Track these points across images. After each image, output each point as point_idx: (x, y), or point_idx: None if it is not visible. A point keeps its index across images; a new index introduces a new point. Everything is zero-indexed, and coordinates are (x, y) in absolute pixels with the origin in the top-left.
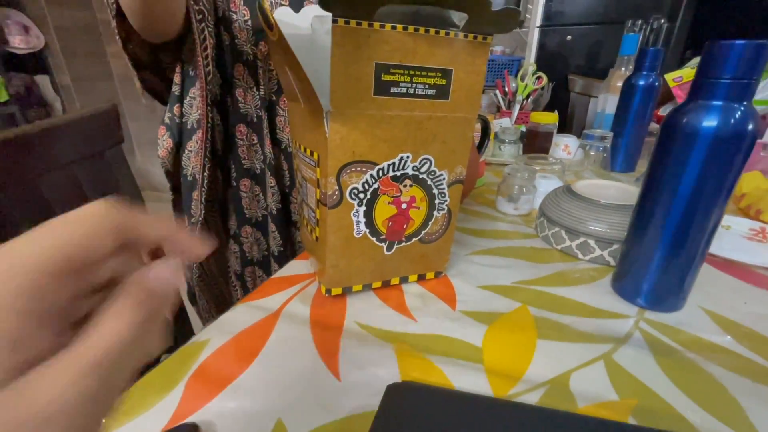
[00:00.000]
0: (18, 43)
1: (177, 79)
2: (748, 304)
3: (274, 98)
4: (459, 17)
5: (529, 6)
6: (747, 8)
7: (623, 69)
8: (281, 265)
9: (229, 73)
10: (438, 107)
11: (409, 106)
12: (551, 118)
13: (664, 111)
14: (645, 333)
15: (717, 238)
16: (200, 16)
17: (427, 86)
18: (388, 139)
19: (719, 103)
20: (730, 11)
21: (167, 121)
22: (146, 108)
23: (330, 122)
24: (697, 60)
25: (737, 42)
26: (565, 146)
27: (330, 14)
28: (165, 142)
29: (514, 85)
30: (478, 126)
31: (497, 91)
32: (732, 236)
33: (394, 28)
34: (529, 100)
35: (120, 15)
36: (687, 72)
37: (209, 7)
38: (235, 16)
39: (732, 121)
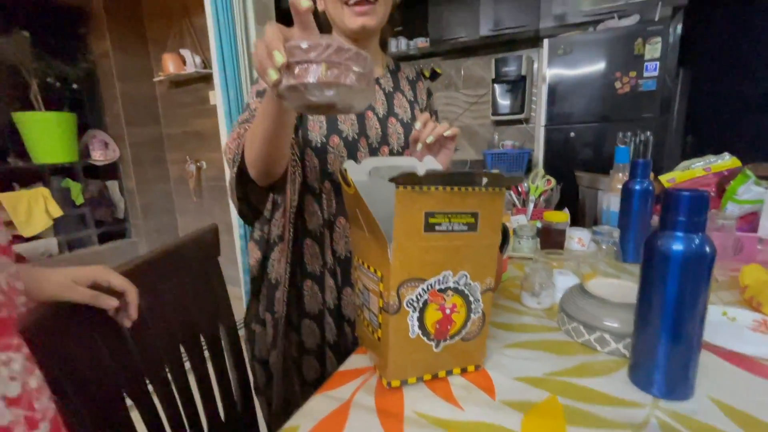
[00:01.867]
0: (98, 156)
1: (268, 205)
2: (755, 394)
3: (333, 219)
4: (482, 181)
5: (533, 105)
6: (738, 95)
7: (620, 174)
8: (335, 354)
9: (300, 201)
10: (470, 238)
11: (449, 238)
12: (563, 217)
13: None
14: (660, 421)
15: (722, 331)
16: (294, 162)
17: (461, 224)
18: (434, 262)
19: (681, 234)
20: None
21: (257, 237)
22: (195, 205)
23: (393, 251)
24: (689, 162)
25: (685, 194)
26: (579, 239)
27: (394, 184)
28: (255, 254)
29: (526, 185)
30: None
31: (511, 192)
32: (737, 328)
33: (437, 189)
34: (541, 199)
35: (240, 179)
36: (679, 174)
37: (299, 154)
38: (307, 163)
39: (692, 246)
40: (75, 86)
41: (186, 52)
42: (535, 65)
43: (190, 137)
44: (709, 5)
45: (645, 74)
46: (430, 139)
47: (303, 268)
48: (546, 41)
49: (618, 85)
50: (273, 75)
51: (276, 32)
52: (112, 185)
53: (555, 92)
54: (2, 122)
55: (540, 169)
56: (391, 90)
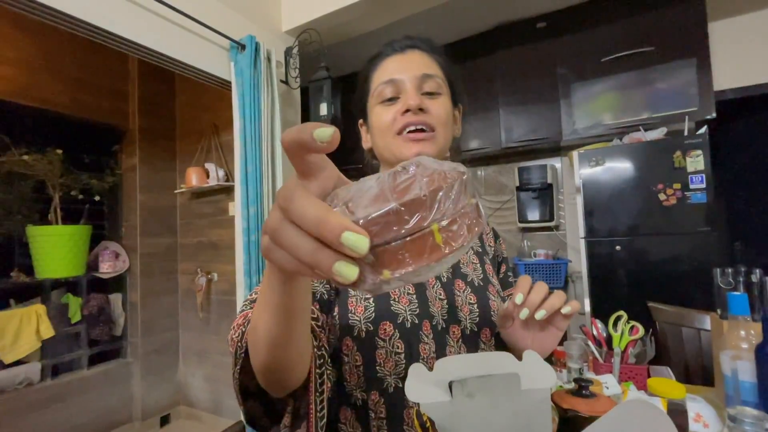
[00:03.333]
0: (106, 268)
1: (287, 421)
2: None
3: None
4: None
5: (562, 213)
6: None
7: (742, 332)
8: None
9: (333, 413)
10: None
11: None
12: (677, 391)
13: None
14: None
15: None
16: (320, 360)
17: None
18: None
19: None
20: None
21: None
22: (201, 321)
23: None
24: None
25: None
26: (698, 415)
27: None
28: None
29: (601, 327)
30: None
31: (588, 341)
32: None
33: None
34: (629, 352)
35: (242, 386)
36: None
37: (328, 349)
38: (346, 359)
39: None
40: (97, 198)
41: (211, 166)
42: (559, 173)
43: (205, 247)
44: (733, 115)
45: (692, 186)
46: (540, 315)
47: None
48: (576, 153)
49: (662, 197)
50: (351, 274)
51: (311, 199)
52: (115, 298)
53: (591, 203)
54: (16, 236)
55: (622, 313)
56: None
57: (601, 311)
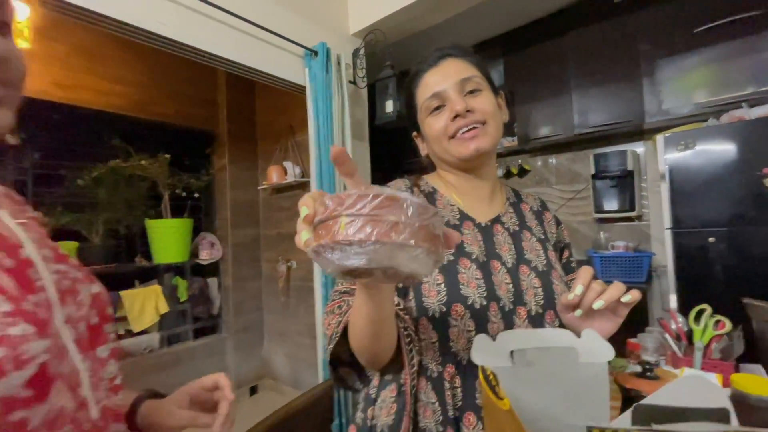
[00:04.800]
0: (204, 255)
1: (375, 382)
2: None
3: (458, 415)
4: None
5: (644, 202)
6: None
7: None
8: None
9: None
10: None
11: None
12: (765, 387)
13: None
14: None
15: None
16: (408, 339)
17: None
18: None
19: None
20: None
21: (358, 421)
22: (282, 305)
23: None
24: None
25: None
26: None
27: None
28: None
29: (681, 321)
30: None
31: (666, 334)
32: None
33: None
34: (713, 347)
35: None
36: None
37: (413, 329)
38: (422, 336)
39: None
40: (196, 195)
41: (288, 164)
42: (642, 159)
43: (284, 238)
44: None
45: None
46: (599, 305)
47: None
48: (660, 137)
49: None
50: (303, 236)
51: (315, 192)
52: (212, 282)
53: (679, 191)
54: (138, 228)
55: (706, 307)
56: (517, 229)
57: (689, 308)
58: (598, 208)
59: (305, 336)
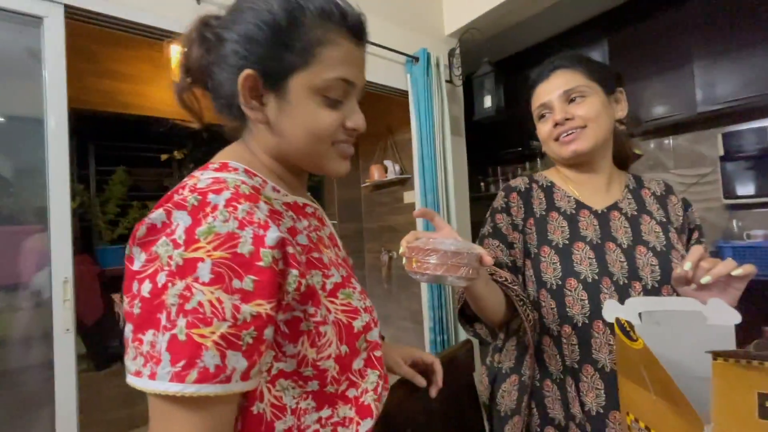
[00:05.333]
0: None
1: (502, 335)
2: None
3: (577, 366)
4: None
5: None
6: None
7: None
8: None
9: (537, 341)
10: None
11: None
12: None
13: None
14: None
15: None
16: (521, 302)
17: None
18: None
19: None
20: None
21: (488, 363)
22: (384, 291)
23: None
24: None
25: None
26: None
27: (711, 355)
28: (484, 380)
29: None
30: None
31: None
32: None
33: None
34: None
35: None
36: None
37: (527, 295)
38: (543, 304)
39: None
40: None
41: (388, 163)
42: None
43: (385, 231)
44: None
45: None
46: (706, 280)
47: (543, 414)
48: None
49: None
50: (404, 261)
51: (414, 233)
52: None
53: None
54: None
55: None
56: (635, 213)
57: None
58: (729, 194)
59: (409, 321)
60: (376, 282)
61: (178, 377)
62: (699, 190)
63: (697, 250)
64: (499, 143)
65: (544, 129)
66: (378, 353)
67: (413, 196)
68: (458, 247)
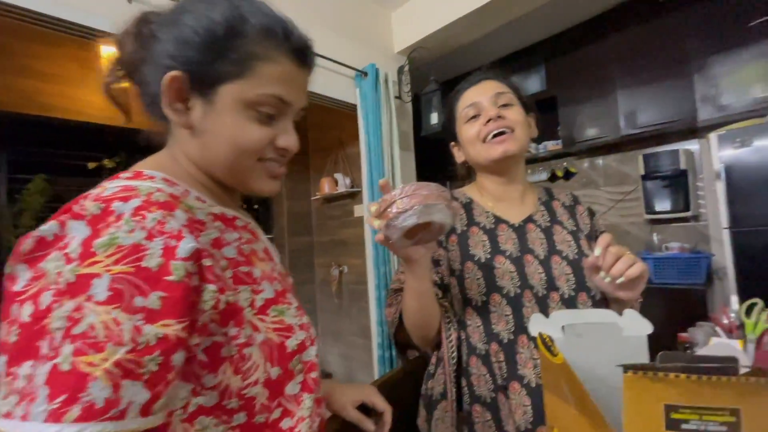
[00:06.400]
0: None
1: (433, 360)
2: None
3: (506, 384)
4: (739, 369)
5: (701, 201)
6: None
7: None
8: None
9: (465, 362)
10: None
11: None
12: None
13: None
14: None
15: None
16: (447, 319)
17: (717, 423)
18: None
19: None
20: None
21: (423, 391)
22: (335, 306)
23: None
24: None
25: None
26: None
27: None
28: (421, 411)
29: (734, 316)
30: None
31: (716, 327)
32: None
33: (678, 376)
34: (765, 339)
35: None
36: None
37: (452, 312)
38: (469, 322)
39: None
40: (256, 207)
41: (338, 176)
42: (697, 157)
43: (336, 245)
44: None
45: None
46: (620, 281)
47: None
48: (714, 135)
49: None
50: (375, 222)
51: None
52: None
53: (736, 189)
54: None
55: (758, 300)
56: (549, 225)
57: (751, 309)
58: (650, 209)
59: (359, 336)
60: (326, 297)
61: (55, 416)
62: (625, 206)
63: (605, 238)
64: (448, 159)
65: (471, 130)
66: (314, 374)
67: (363, 210)
68: (436, 184)
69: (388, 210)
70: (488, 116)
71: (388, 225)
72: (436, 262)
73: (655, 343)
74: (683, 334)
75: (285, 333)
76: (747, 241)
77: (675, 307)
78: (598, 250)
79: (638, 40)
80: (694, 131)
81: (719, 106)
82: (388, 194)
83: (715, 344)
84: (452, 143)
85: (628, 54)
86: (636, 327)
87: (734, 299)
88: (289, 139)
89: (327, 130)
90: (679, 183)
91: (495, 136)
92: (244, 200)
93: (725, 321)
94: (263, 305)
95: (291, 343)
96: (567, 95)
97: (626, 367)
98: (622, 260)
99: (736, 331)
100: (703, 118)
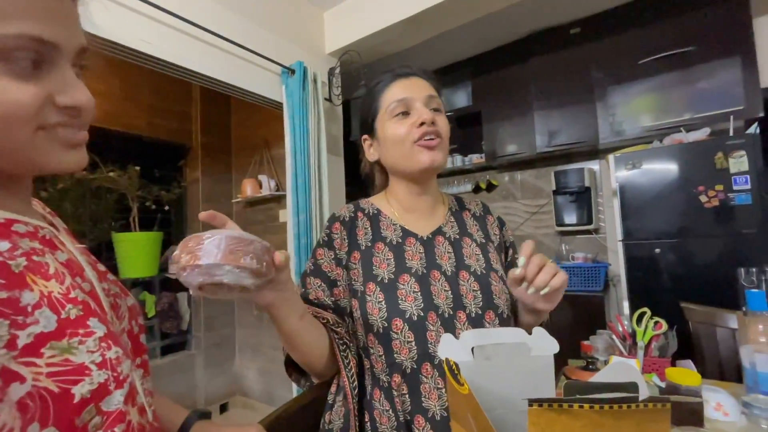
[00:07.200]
0: (174, 270)
1: (333, 389)
2: None
3: (409, 419)
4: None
5: (601, 216)
6: None
7: (760, 326)
8: None
9: (369, 394)
10: None
11: None
12: (694, 379)
13: None
14: None
15: None
16: (343, 346)
17: None
18: None
19: None
20: None
21: (321, 426)
22: (255, 319)
23: None
24: None
25: None
26: (718, 404)
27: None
28: None
29: (628, 325)
30: None
31: (613, 335)
32: None
33: (581, 407)
34: (653, 346)
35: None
36: None
37: (350, 338)
38: (372, 350)
39: None
40: (166, 208)
41: (263, 177)
42: (598, 176)
43: None
44: None
45: (735, 188)
46: (545, 291)
47: None
48: (612, 156)
49: (704, 198)
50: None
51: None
52: (182, 297)
53: (629, 206)
54: (104, 242)
55: (646, 310)
56: (458, 237)
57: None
58: (560, 222)
59: (279, 350)
60: (245, 309)
61: None
62: (539, 218)
63: (528, 246)
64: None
65: (400, 129)
66: (120, 429)
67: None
68: (243, 234)
69: (191, 254)
70: (423, 118)
71: (183, 273)
72: (332, 283)
73: (562, 349)
74: (585, 342)
75: (70, 377)
76: (637, 252)
77: (578, 312)
78: (522, 260)
79: (553, 67)
80: (597, 152)
81: (616, 132)
82: (199, 235)
83: (615, 364)
84: (364, 136)
85: (544, 78)
86: (544, 346)
87: (626, 304)
88: (75, 94)
89: (252, 128)
90: (583, 198)
91: (427, 140)
92: (154, 201)
93: (620, 329)
94: (32, 343)
95: (80, 390)
96: (491, 111)
97: (531, 401)
98: (544, 270)
99: (629, 338)
100: (603, 141)
